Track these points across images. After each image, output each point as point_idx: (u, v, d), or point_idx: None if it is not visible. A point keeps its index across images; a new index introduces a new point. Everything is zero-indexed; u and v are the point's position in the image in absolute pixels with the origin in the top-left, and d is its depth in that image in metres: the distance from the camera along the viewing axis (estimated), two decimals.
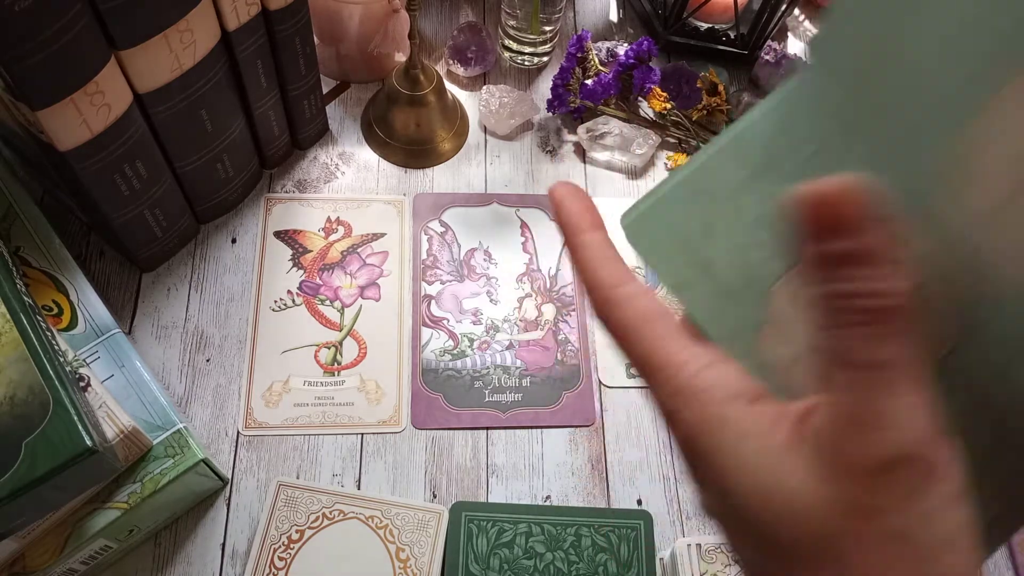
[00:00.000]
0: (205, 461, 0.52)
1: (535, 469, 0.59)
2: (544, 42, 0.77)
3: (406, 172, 0.71)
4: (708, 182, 0.26)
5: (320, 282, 0.65)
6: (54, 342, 0.49)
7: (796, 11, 0.85)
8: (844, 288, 0.20)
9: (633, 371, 0.63)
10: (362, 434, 0.60)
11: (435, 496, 0.58)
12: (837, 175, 0.20)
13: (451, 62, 0.77)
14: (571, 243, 0.27)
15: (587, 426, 0.61)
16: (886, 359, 0.19)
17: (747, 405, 0.22)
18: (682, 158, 0.73)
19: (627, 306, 0.25)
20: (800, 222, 0.20)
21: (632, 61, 0.73)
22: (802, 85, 0.26)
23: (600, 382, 0.63)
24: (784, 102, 0.26)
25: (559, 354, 0.64)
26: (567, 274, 0.67)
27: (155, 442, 0.51)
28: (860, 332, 0.20)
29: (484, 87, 0.74)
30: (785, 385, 0.23)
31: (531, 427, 0.61)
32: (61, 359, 0.47)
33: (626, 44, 0.76)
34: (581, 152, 0.74)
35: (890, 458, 0.19)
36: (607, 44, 0.77)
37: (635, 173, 0.73)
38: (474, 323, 0.65)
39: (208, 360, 0.61)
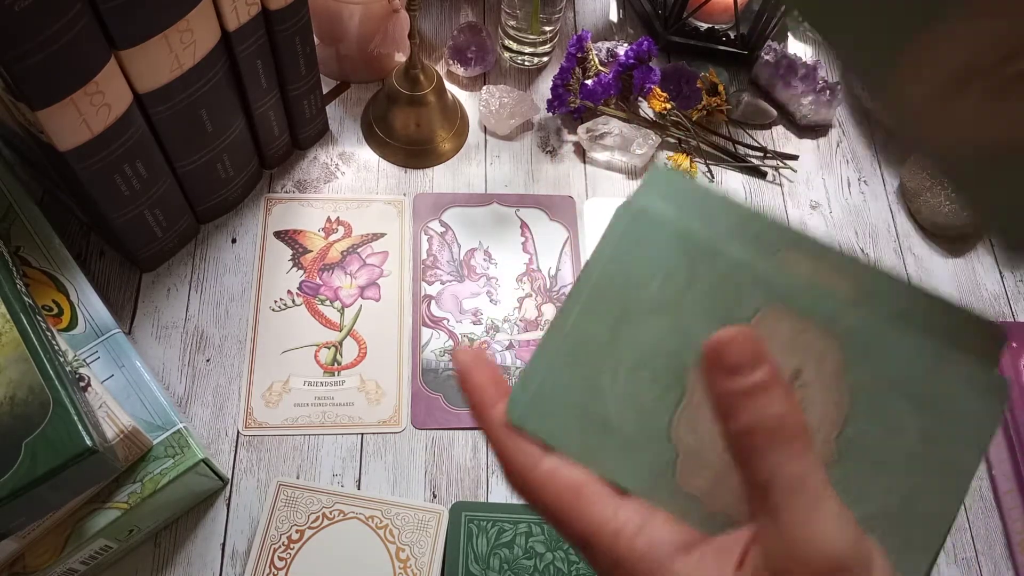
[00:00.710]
0: (205, 461, 0.52)
1: None
2: (544, 42, 0.77)
3: (406, 172, 0.71)
4: (579, 347, 0.27)
5: (320, 282, 0.65)
6: (54, 342, 0.49)
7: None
8: (751, 418, 0.22)
9: None
10: (362, 434, 0.60)
11: (435, 496, 0.58)
12: (728, 327, 0.23)
13: (451, 62, 0.77)
14: (479, 420, 0.27)
15: None
16: (800, 474, 0.22)
17: (687, 556, 0.23)
18: (682, 158, 0.73)
19: (549, 486, 0.25)
20: (706, 369, 0.23)
21: (632, 61, 0.73)
22: (629, 227, 0.28)
23: None
24: (617, 249, 0.28)
25: None
26: (567, 274, 0.68)
27: (155, 442, 0.51)
28: (773, 456, 0.22)
29: (484, 87, 0.74)
30: (712, 512, 0.25)
31: None
32: (61, 359, 0.47)
33: (626, 44, 0.76)
34: (581, 152, 0.74)
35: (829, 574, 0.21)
36: (607, 44, 0.77)
37: (635, 173, 0.73)
38: (474, 323, 0.65)
39: (208, 360, 0.61)
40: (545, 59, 0.79)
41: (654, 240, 0.28)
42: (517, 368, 0.63)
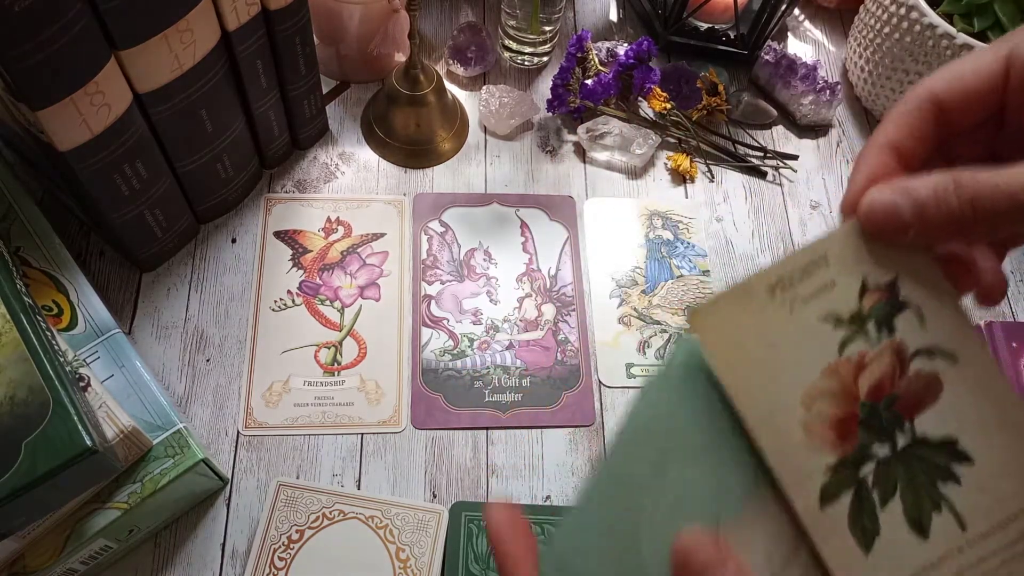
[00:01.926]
0: (205, 461, 0.52)
1: (535, 469, 0.59)
2: (544, 42, 0.77)
3: (406, 172, 0.71)
4: (615, 495, 0.29)
5: (320, 282, 0.65)
6: (54, 342, 0.49)
7: (796, 11, 0.85)
8: None
9: (633, 371, 0.63)
10: (362, 434, 0.60)
11: (435, 496, 0.58)
12: (688, 530, 0.26)
13: (451, 62, 0.77)
14: None
15: (587, 426, 0.61)
16: None
17: None
18: (682, 158, 0.73)
19: None
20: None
21: (632, 61, 0.73)
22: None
23: (600, 382, 0.63)
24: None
25: (559, 354, 0.64)
26: (567, 274, 0.68)
27: (155, 442, 0.51)
28: None
29: (484, 87, 0.74)
30: None
31: (531, 427, 0.61)
32: (61, 359, 0.48)
33: (626, 44, 0.76)
34: (581, 152, 0.74)
35: None
36: (607, 44, 0.77)
37: (635, 173, 0.74)
38: (474, 323, 0.65)
39: (208, 360, 0.61)
40: (545, 59, 0.79)
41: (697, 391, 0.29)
42: (517, 367, 0.63)
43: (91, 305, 0.55)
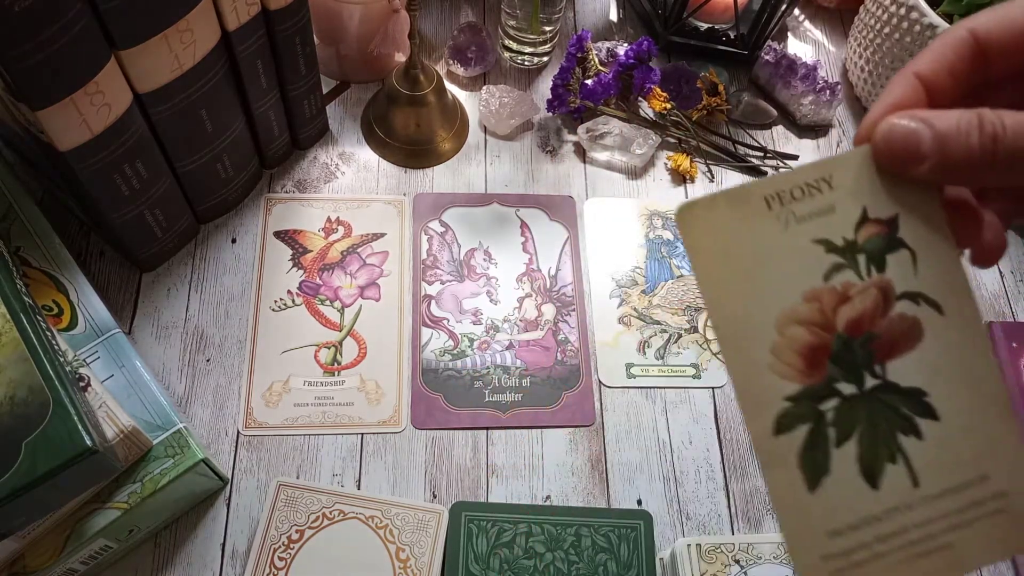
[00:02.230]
0: (205, 461, 0.52)
1: (535, 469, 0.59)
2: (544, 42, 0.77)
3: (406, 172, 0.71)
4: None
5: (320, 282, 0.65)
6: (54, 342, 0.49)
7: (796, 11, 0.85)
8: None
9: (633, 371, 0.63)
10: (362, 434, 0.60)
11: (435, 496, 0.58)
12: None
13: (451, 62, 0.77)
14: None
15: (587, 426, 0.61)
16: None
17: None
18: (682, 158, 0.73)
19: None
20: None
21: (632, 61, 0.73)
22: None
23: (600, 382, 0.63)
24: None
25: (559, 354, 0.64)
26: (567, 274, 0.68)
27: (155, 442, 0.51)
28: None
29: (484, 87, 0.74)
30: None
31: (531, 427, 0.61)
32: (61, 359, 0.47)
33: (626, 44, 0.76)
34: (581, 152, 0.74)
35: None
36: (607, 44, 0.77)
37: (635, 173, 0.73)
38: (474, 323, 0.65)
39: (208, 360, 0.61)
40: (545, 59, 0.79)
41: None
42: (518, 367, 0.63)
43: (91, 305, 0.55)
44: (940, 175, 0.26)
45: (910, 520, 0.27)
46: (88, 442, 0.42)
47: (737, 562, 0.54)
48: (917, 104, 0.26)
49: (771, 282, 0.27)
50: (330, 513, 0.55)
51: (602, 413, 0.62)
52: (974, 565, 0.27)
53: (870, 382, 0.27)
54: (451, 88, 0.75)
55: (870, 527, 0.27)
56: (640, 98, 0.76)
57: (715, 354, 0.65)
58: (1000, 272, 0.71)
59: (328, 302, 0.64)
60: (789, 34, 0.84)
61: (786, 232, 0.27)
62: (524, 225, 0.70)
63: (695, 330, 0.65)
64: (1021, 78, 0.27)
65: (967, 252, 0.29)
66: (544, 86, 0.77)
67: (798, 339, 0.27)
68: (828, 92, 0.75)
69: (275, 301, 0.64)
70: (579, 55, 0.73)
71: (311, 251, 0.66)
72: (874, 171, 0.27)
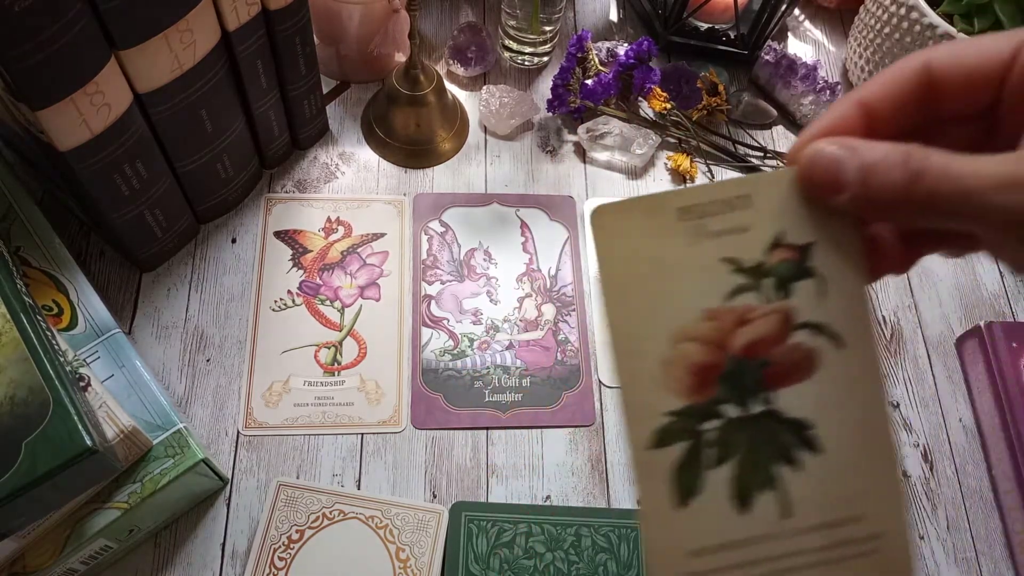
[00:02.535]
0: (205, 461, 0.52)
1: (535, 469, 0.59)
2: (544, 42, 0.77)
3: (406, 172, 0.71)
4: None
5: (320, 282, 0.65)
6: (54, 342, 0.49)
7: (796, 11, 0.85)
8: None
9: None
10: (362, 434, 0.60)
11: (435, 496, 0.58)
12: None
13: (451, 62, 0.77)
14: None
15: (587, 426, 0.61)
16: None
17: None
18: (682, 158, 0.73)
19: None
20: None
21: (632, 61, 0.73)
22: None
23: (600, 382, 0.63)
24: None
25: (559, 354, 0.64)
26: (567, 274, 0.68)
27: (155, 442, 0.51)
28: None
29: (484, 87, 0.74)
30: None
31: (531, 427, 0.61)
32: (61, 359, 0.47)
33: (626, 44, 0.76)
34: (581, 152, 0.74)
35: None
36: (607, 44, 0.77)
37: (635, 173, 0.73)
38: (474, 323, 0.65)
39: (208, 360, 0.61)
40: (545, 59, 0.79)
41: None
42: (517, 367, 0.63)
43: (91, 305, 0.55)
44: (859, 208, 0.25)
45: (776, 550, 0.26)
46: (88, 442, 0.42)
47: None
48: (853, 131, 0.25)
49: (673, 295, 0.26)
50: (330, 513, 0.55)
51: (602, 413, 0.62)
52: None
53: (757, 407, 0.26)
54: (451, 88, 0.75)
55: (733, 552, 0.26)
56: (640, 98, 0.76)
57: None
58: (1000, 272, 0.71)
59: (328, 302, 0.64)
60: (789, 34, 0.84)
61: (696, 247, 0.26)
62: (524, 225, 0.70)
63: None
64: (972, 120, 0.26)
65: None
66: (544, 86, 0.77)
67: (690, 356, 0.26)
68: (828, 92, 0.75)
69: (275, 301, 0.64)
70: (579, 55, 0.73)
71: (311, 251, 0.66)
72: (796, 195, 0.26)
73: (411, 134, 0.71)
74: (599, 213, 0.26)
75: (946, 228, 0.24)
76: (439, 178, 0.71)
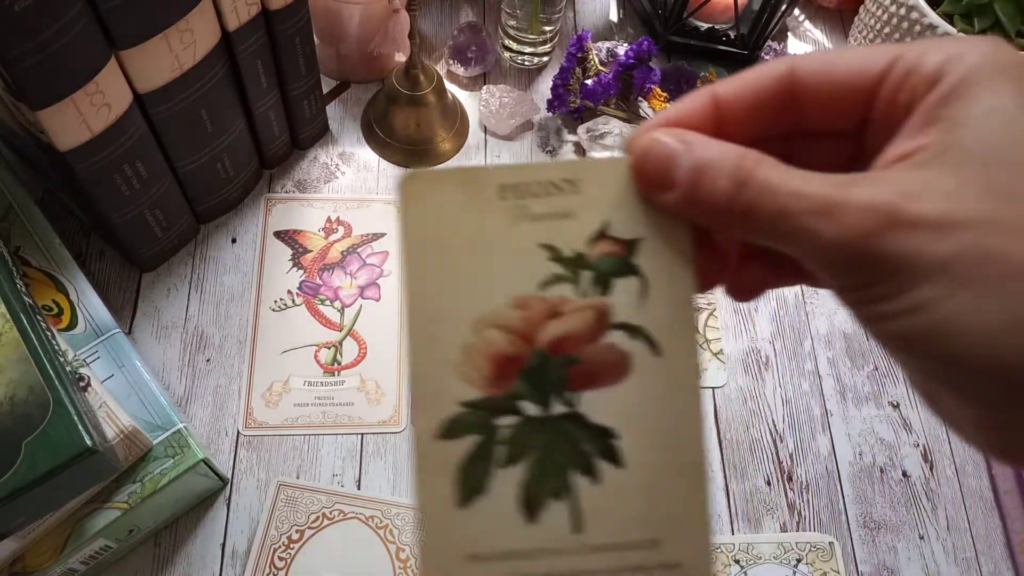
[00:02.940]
0: (205, 461, 0.52)
1: None
2: (544, 42, 0.77)
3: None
4: None
5: (320, 282, 0.65)
6: (54, 342, 0.49)
7: (796, 11, 0.85)
8: None
9: None
10: (362, 434, 0.60)
11: None
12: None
13: (451, 62, 0.77)
14: None
15: None
16: None
17: None
18: None
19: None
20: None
21: (632, 61, 0.73)
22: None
23: None
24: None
25: None
26: None
27: (155, 442, 0.51)
28: None
29: (484, 87, 0.74)
30: None
31: None
32: (61, 359, 0.48)
33: (626, 44, 0.76)
34: (581, 152, 0.74)
35: None
36: (607, 44, 0.77)
37: None
38: None
39: (208, 360, 0.61)
40: (545, 59, 0.79)
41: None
42: None
43: (91, 305, 0.55)
44: (685, 210, 0.23)
45: (562, 567, 0.24)
46: (88, 442, 0.42)
47: (737, 562, 0.54)
48: (701, 126, 0.23)
49: (483, 278, 0.24)
50: (330, 513, 0.55)
51: None
52: None
53: (558, 408, 0.24)
54: (451, 88, 0.75)
55: (514, 562, 0.24)
56: (640, 98, 0.76)
57: (715, 354, 0.65)
58: None
59: (328, 302, 0.64)
60: (789, 34, 0.84)
61: (513, 228, 0.24)
62: None
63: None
64: (844, 137, 0.24)
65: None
66: (544, 86, 0.77)
67: (493, 344, 0.24)
68: None
69: (275, 301, 0.64)
70: (579, 55, 0.73)
71: (311, 251, 0.66)
72: (628, 186, 0.24)
73: (411, 134, 0.71)
74: (411, 179, 0.24)
75: (777, 251, 0.22)
76: None
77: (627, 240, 0.24)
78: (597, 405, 0.24)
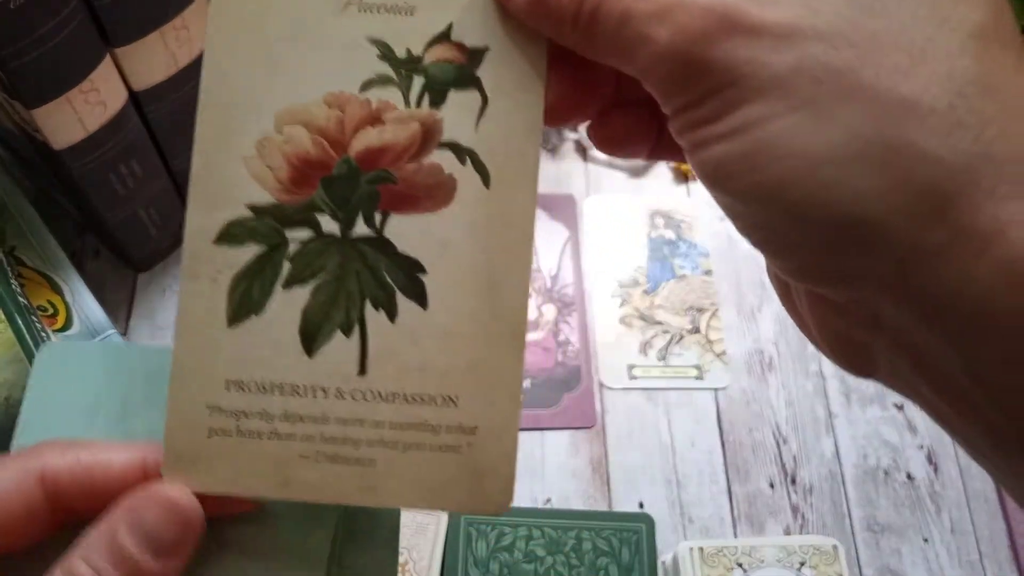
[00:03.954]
0: None
1: (535, 472, 0.59)
2: None
3: None
4: None
5: None
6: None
7: None
8: None
9: (635, 372, 0.63)
10: None
11: None
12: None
13: None
14: None
15: (588, 428, 0.61)
16: None
17: None
18: None
19: None
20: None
21: None
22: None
23: (601, 383, 0.62)
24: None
25: (559, 355, 0.63)
26: (567, 274, 0.67)
27: None
28: None
29: None
30: None
31: (531, 429, 0.60)
32: None
33: None
34: (582, 150, 0.73)
35: None
36: None
37: (637, 171, 0.73)
38: None
39: None
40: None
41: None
42: None
43: (86, 305, 0.55)
44: (533, 15, 0.21)
45: (338, 410, 0.21)
46: None
47: (740, 565, 0.53)
48: None
49: (295, 67, 0.21)
50: None
51: (603, 415, 0.61)
52: (388, 500, 0.21)
53: (361, 229, 0.21)
54: None
55: (284, 397, 0.21)
56: None
57: (718, 355, 0.64)
58: None
59: None
60: None
61: (341, 15, 0.21)
62: None
63: (697, 331, 0.65)
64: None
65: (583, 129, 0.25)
66: None
67: (295, 143, 0.21)
68: None
69: None
70: None
71: None
72: None
73: None
74: None
75: (641, 101, 0.21)
76: None
77: (471, 48, 0.21)
78: (408, 233, 0.21)
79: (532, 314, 0.65)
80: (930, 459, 0.62)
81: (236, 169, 0.21)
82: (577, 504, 0.58)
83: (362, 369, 0.21)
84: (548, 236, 0.68)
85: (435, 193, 0.22)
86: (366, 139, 0.21)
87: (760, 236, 0.19)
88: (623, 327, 0.65)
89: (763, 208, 0.18)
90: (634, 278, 0.67)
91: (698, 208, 0.71)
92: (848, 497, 0.59)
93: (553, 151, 0.73)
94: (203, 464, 0.21)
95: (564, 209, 0.70)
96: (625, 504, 0.58)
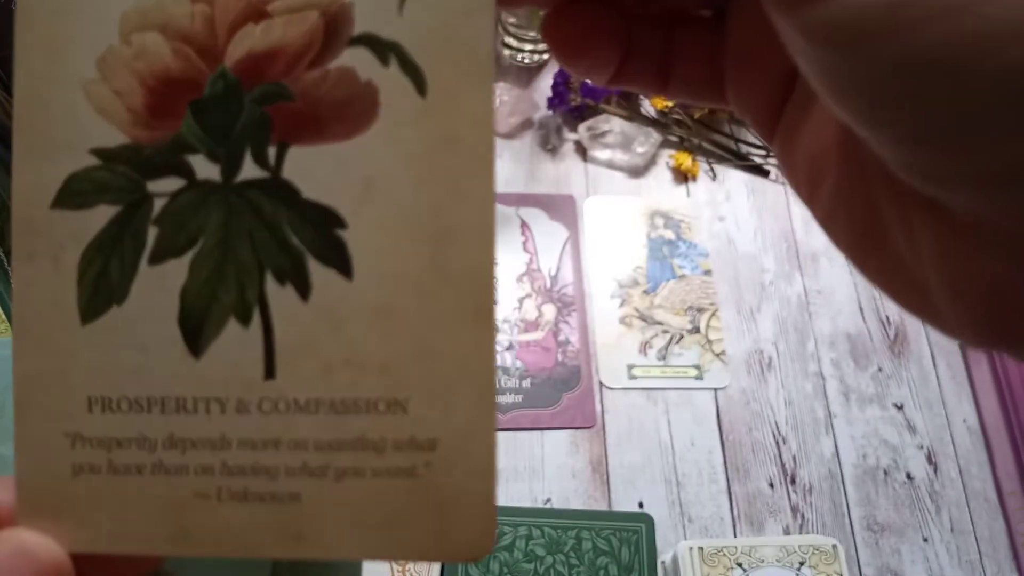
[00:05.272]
0: None
1: (535, 472, 0.59)
2: None
3: None
4: None
5: None
6: None
7: None
8: None
9: (635, 372, 0.63)
10: None
11: None
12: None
13: None
14: None
15: (588, 428, 0.61)
16: None
17: None
18: (684, 157, 0.72)
19: None
20: None
21: None
22: None
23: (601, 383, 0.62)
24: None
25: (559, 355, 0.63)
26: (567, 274, 0.67)
27: None
28: None
29: None
30: None
31: (531, 429, 0.60)
32: None
33: None
34: (582, 151, 0.73)
35: None
36: None
37: (636, 172, 0.73)
38: None
39: None
40: (546, 56, 0.78)
41: None
42: (518, 368, 0.62)
43: None
44: None
45: (240, 430, 0.15)
46: None
47: (739, 565, 0.53)
48: None
49: None
50: None
51: (603, 415, 0.61)
52: (319, 550, 0.15)
53: (251, 172, 0.15)
54: None
55: (165, 416, 0.15)
56: (642, 96, 0.75)
57: (717, 355, 0.64)
58: None
59: None
60: None
61: None
62: (524, 225, 0.69)
63: (697, 331, 0.65)
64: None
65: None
66: (544, 84, 0.76)
67: (151, 56, 0.15)
68: None
69: None
70: None
71: None
72: None
73: None
74: None
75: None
76: None
77: None
78: (316, 171, 0.15)
79: (532, 314, 0.65)
80: (930, 459, 0.62)
81: (72, 100, 0.15)
82: (577, 504, 0.58)
83: (269, 370, 0.15)
84: (548, 236, 0.68)
85: (349, 111, 0.15)
86: (247, 41, 0.15)
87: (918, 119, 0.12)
88: (623, 327, 0.65)
89: (842, 56, 0.12)
90: (634, 278, 0.67)
91: (698, 208, 0.71)
92: (848, 497, 0.59)
93: (553, 152, 0.73)
94: (70, 513, 0.15)
95: (564, 209, 0.70)
96: (625, 504, 0.58)
